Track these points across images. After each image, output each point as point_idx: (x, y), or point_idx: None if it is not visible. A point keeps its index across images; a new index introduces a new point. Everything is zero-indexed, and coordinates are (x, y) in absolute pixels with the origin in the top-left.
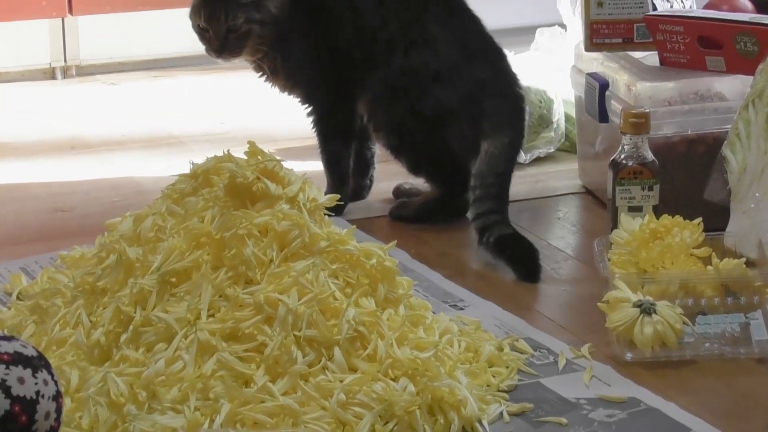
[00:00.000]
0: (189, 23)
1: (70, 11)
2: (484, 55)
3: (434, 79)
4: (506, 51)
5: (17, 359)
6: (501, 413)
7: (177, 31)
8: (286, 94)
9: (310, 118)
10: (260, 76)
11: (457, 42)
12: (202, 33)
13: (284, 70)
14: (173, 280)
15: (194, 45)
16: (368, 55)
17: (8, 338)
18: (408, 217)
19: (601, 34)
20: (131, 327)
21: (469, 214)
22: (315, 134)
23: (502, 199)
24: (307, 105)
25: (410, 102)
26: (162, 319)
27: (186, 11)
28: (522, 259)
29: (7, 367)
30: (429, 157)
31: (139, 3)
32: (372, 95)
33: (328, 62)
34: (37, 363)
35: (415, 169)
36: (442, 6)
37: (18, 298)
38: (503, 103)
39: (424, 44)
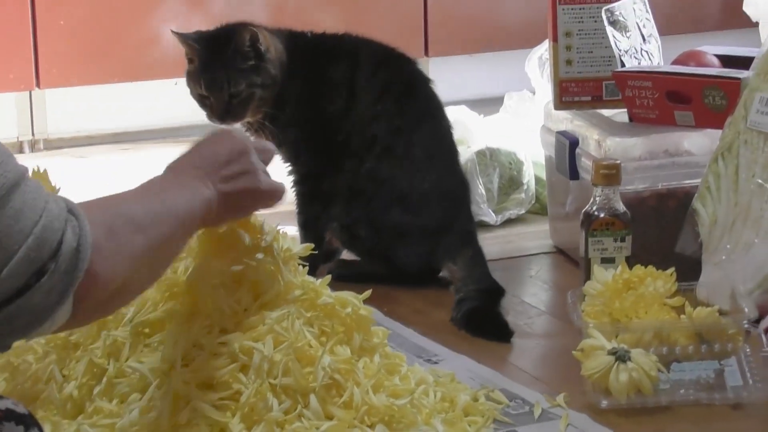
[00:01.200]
0: (157, 96)
1: (38, 84)
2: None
3: (398, 199)
4: (475, 114)
5: (9, 416)
6: None
7: (146, 104)
8: None
9: (291, 178)
10: (246, 131)
11: (434, 168)
12: (202, 100)
13: (272, 128)
14: (147, 330)
15: (163, 117)
16: (347, 140)
17: None
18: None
19: (571, 93)
20: (105, 379)
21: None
22: (294, 194)
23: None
24: (289, 165)
25: (368, 209)
26: (136, 370)
27: (155, 83)
28: (489, 327)
29: (0, 423)
30: (378, 260)
31: (107, 76)
32: (338, 183)
33: (316, 128)
34: (29, 421)
35: (365, 261)
36: (433, 130)
37: None
38: (461, 235)
39: (400, 158)
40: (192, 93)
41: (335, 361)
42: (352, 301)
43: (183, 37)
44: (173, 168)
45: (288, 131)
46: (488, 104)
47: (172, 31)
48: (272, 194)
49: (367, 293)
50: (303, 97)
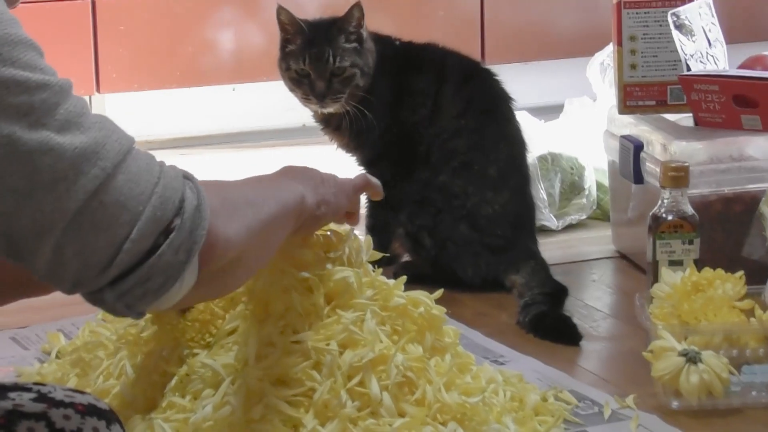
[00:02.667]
0: (215, 101)
1: (98, 89)
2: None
3: (466, 216)
4: (536, 120)
5: (92, 411)
6: None
7: (204, 109)
8: (342, 151)
9: None
10: (321, 129)
11: (505, 189)
12: (300, 79)
13: (350, 131)
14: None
15: (221, 123)
16: (427, 152)
17: (81, 392)
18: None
19: (635, 97)
20: (177, 375)
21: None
22: (366, 198)
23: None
24: (363, 168)
25: (436, 221)
26: (209, 366)
27: (214, 89)
28: (559, 331)
29: (83, 417)
30: (441, 269)
31: (166, 81)
32: (407, 191)
33: (395, 136)
34: (110, 416)
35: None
36: (510, 150)
37: (57, 356)
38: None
39: (476, 176)
40: (288, 74)
41: (408, 359)
42: (425, 300)
43: (289, 14)
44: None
45: (368, 135)
46: (546, 111)
47: (279, 6)
48: (357, 190)
49: (439, 293)
50: (386, 104)
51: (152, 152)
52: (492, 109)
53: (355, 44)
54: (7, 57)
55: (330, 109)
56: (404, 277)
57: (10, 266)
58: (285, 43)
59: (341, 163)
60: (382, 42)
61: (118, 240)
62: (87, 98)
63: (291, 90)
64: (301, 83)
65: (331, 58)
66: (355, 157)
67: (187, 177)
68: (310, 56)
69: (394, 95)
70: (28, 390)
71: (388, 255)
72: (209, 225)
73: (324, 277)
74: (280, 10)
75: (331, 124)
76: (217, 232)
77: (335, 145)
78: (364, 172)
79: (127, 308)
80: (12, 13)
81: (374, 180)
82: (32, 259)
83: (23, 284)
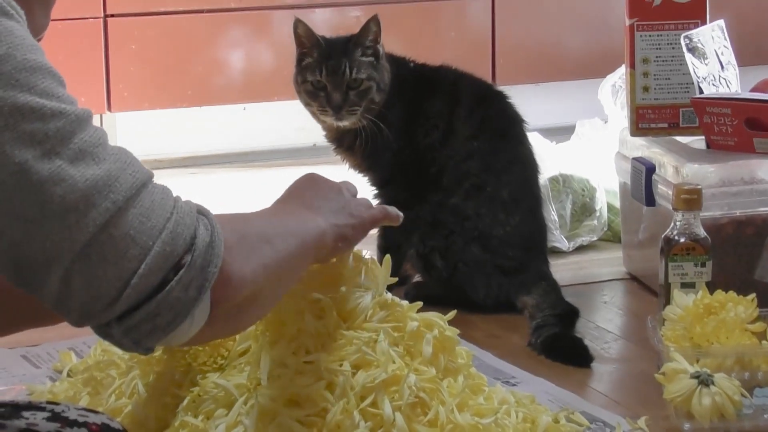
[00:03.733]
0: (226, 121)
1: (109, 108)
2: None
3: (478, 237)
4: (547, 141)
5: (105, 430)
6: None
7: (215, 128)
8: (354, 172)
9: (376, 202)
10: (333, 149)
11: (517, 212)
12: (316, 92)
13: (363, 151)
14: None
15: (232, 142)
16: (439, 174)
17: (95, 411)
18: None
19: (647, 119)
20: (189, 396)
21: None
22: None
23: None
24: (375, 189)
25: (447, 242)
26: (222, 387)
27: (224, 108)
28: (570, 352)
29: None
30: (452, 290)
31: (177, 100)
32: (420, 213)
33: (408, 158)
34: None
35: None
36: (522, 173)
37: (68, 375)
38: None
39: (488, 198)
40: (303, 87)
41: (420, 380)
42: (438, 322)
43: (306, 27)
44: (277, 204)
45: (381, 156)
46: (558, 133)
47: (297, 19)
48: (373, 224)
49: (452, 314)
50: (400, 125)
51: (162, 171)
52: (505, 131)
53: (371, 58)
54: (24, 83)
55: (346, 123)
56: (420, 303)
57: (20, 295)
58: (301, 56)
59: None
60: (397, 63)
61: (126, 274)
62: (98, 117)
63: (306, 104)
64: (317, 96)
65: (347, 70)
66: (367, 178)
67: (202, 212)
68: (326, 68)
69: (407, 117)
70: (42, 409)
71: (397, 279)
72: (223, 263)
73: (337, 299)
74: (298, 23)
75: (343, 144)
76: (232, 270)
77: (347, 166)
78: (383, 205)
79: (135, 344)
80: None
81: (393, 212)
82: (40, 289)
83: (33, 314)
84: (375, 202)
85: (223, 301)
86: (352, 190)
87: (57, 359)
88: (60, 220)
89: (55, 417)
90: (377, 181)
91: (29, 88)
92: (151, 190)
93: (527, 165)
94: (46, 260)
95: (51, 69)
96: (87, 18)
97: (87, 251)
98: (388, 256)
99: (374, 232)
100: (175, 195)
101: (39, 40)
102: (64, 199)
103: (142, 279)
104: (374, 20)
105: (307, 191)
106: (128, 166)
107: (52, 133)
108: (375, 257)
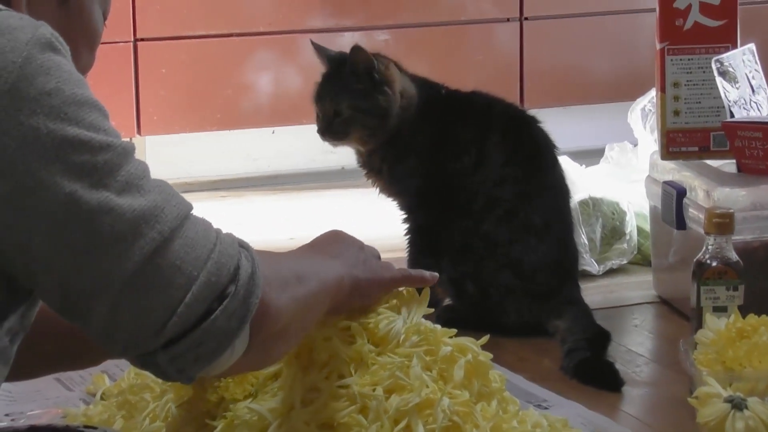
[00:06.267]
0: (255, 144)
1: (139, 131)
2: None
3: (510, 264)
4: (577, 164)
5: None
6: None
7: (244, 152)
8: (384, 196)
9: (405, 226)
10: (364, 174)
11: (549, 238)
12: (316, 113)
13: (389, 175)
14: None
15: (261, 166)
16: (467, 200)
17: None
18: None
19: (678, 143)
20: (223, 421)
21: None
22: (407, 243)
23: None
24: (404, 214)
25: (479, 268)
26: (255, 411)
27: (253, 132)
28: (601, 376)
29: None
30: (483, 314)
31: (206, 123)
32: (449, 241)
33: (435, 184)
34: None
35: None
36: (554, 199)
37: (102, 398)
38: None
39: (520, 224)
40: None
41: (454, 403)
42: (472, 347)
43: (317, 49)
44: (302, 248)
45: (409, 181)
46: (587, 156)
47: (312, 42)
48: (394, 284)
49: (485, 339)
50: (428, 151)
51: (191, 194)
52: (537, 157)
53: (362, 86)
54: (72, 116)
55: (334, 144)
56: (454, 330)
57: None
58: None
59: (382, 207)
60: (429, 88)
61: (172, 303)
62: (128, 140)
63: None
64: (316, 116)
65: (329, 99)
66: (396, 202)
67: (243, 246)
68: (316, 92)
69: (436, 142)
70: None
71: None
72: (263, 294)
73: (368, 324)
74: (313, 45)
75: (373, 168)
76: (269, 301)
77: (377, 190)
78: (407, 269)
79: (178, 373)
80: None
81: (418, 275)
82: (87, 318)
83: (61, 357)
84: (404, 226)
85: (261, 331)
86: (375, 253)
87: (90, 382)
88: (108, 249)
89: None
90: (405, 206)
91: (77, 122)
92: (193, 221)
93: (559, 190)
94: (95, 290)
95: (97, 103)
96: (117, 42)
97: (134, 281)
98: (427, 289)
99: (404, 255)
100: (215, 227)
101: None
102: (113, 228)
103: (188, 308)
104: (354, 49)
105: (331, 244)
106: (172, 198)
107: (100, 165)
108: None
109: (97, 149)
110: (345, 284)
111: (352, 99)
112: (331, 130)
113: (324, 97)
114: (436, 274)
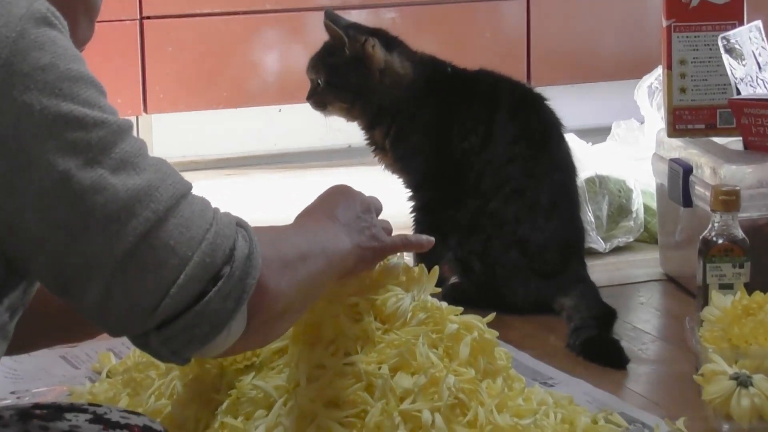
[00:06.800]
0: (261, 122)
1: (145, 109)
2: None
3: (517, 242)
4: (583, 142)
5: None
6: None
7: (250, 130)
8: (389, 172)
9: (410, 204)
10: (372, 150)
11: (556, 217)
12: None
13: (393, 152)
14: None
15: (267, 144)
16: (477, 179)
17: (136, 413)
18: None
19: (684, 120)
20: (228, 398)
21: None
22: (412, 221)
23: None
24: (410, 192)
25: (486, 247)
26: (260, 389)
27: (260, 110)
28: (606, 354)
29: None
30: (490, 293)
31: (213, 101)
32: (456, 220)
33: (441, 162)
34: None
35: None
36: (562, 178)
37: (107, 376)
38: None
39: (528, 203)
40: None
41: (459, 381)
42: (478, 325)
43: (330, 17)
44: (310, 214)
45: (413, 159)
46: (593, 134)
47: (326, 11)
48: (393, 250)
49: (491, 316)
50: (433, 129)
51: (198, 172)
52: (545, 135)
53: (337, 59)
54: (67, 92)
55: (321, 113)
56: (460, 308)
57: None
58: None
59: (389, 186)
60: (434, 67)
61: (165, 284)
62: (134, 118)
63: None
64: None
65: (312, 69)
66: (401, 180)
67: (241, 225)
68: (309, 60)
69: (442, 120)
70: (84, 411)
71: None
72: (261, 275)
73: (376, 302)
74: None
75: (377, 144)
76: (269, 283)
77: (383, 166)
78: (405, 234)
79: (172, 354)
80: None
81: (416, 240)
82: (80, 298)
83: (63, 329)
84: (409, 204)
85: (258, 313)
86: (378, 207)
87: (96, 360)
88: (101, 229)
89: (97, 419)
90: (410, 184)
91: (72, 98)
92: (190, 201)
93: (566, 169)
94: (87, 269)
95: (93, 79)
96: (123, 20)
97: (127, 261)
98: (436, 267)
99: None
100: (214, 206)
101: (81, 51)
102: (106, 208)
103: (181, 289)
104: (325, 24)
105: (338, 206)
106: (168, 177)
107: (94, 142)
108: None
109: (91, 126)
110: (350, 259)
111: (326, 72)
112: (313, 100)
113: (310, 66)
114: (432, 238)
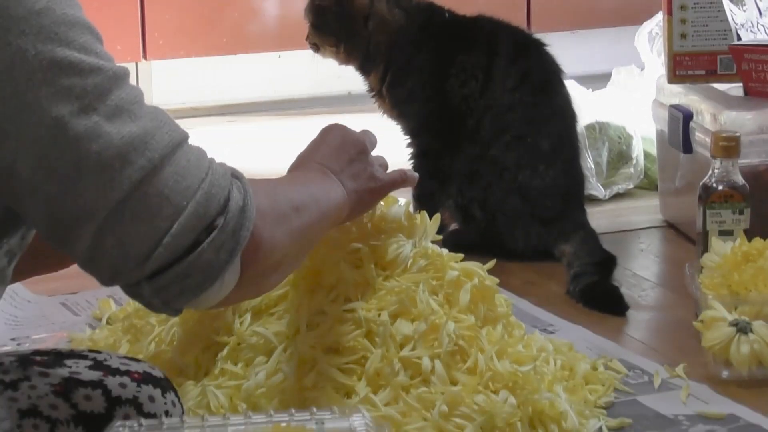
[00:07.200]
0: (261, 68)
1: (144, 56)
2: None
3: (517, 188)
4: (584, 89)
5: (147, 379)
6: (600, 428)
7: (251, 76)
8: (388, 118)
9: (409, 151)
10: (371, 96)
11: (556, 163)
12: None
13: (391, 98)
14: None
15: (267, 90)
16: (477, 125)
17: (137, 360)
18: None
19: (685, 66)
20: (229, 343)
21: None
22: (411, 167)
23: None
24: (408, 138)
25: (486, 193)
26: (260, 335)
27: (259, 56)
28: (606, 301)
29: (138, 385)
30: (491, 240)
31: (212, 48)
32: (455, 167)
33: (440, 108)
34: (165, 384)
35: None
36: (562, 125)
37: (108, 323)
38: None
39: (528, 149)
40: None
41: (459, 327)
42: (478, 272)
43: None
44: (303, 164)
45: (410, 105)
46: (594, 80)
47: None
48: (392, 187)
49: (491, 263)
50: (428, 74)
51: (197, 119)
52: (545, 82)
53: (320, 3)
54: (63, 37)
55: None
56: (461, 255)
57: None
58: None
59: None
60: (431, 13)
61: (158, 233)
62: (134, 65)
63: None
64: None
65: (305, 11)
66: (400, 126)
67: (236, 176)
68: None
69: (439, 66)
70: (84, 357)
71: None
72: (255, 227)
73: (377, 248)
74: None
75: (374, 89)
76: (263, 234)
77: (382, 112)
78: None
79: (164, 304)
80: None
81: (411, 175)
82: (73, 245)
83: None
84: (407, 150)
85: (252, 265)
86: (373, 141)
87: (96, 307)
88: (95, 176)
89: (97, 365)
90: (409, 130)
91: (68, 43)
92: (186, 150)
93: (566, 115)
94: (80, 216)
95: (89, 25)
96: None
97: (121, 209)
98: (438, 214)
99: None
100: (209, 156)
101: None
102: (100, 155)
103: (174, 239)
104: None
105: (330, 152)
106: (164, 125)
107: (89, 88)
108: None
109: (87, 72)
110: (346, 207)
111: (312, 15)
112: (309, 38)
113: (305, 8)
114: (416, 174)
